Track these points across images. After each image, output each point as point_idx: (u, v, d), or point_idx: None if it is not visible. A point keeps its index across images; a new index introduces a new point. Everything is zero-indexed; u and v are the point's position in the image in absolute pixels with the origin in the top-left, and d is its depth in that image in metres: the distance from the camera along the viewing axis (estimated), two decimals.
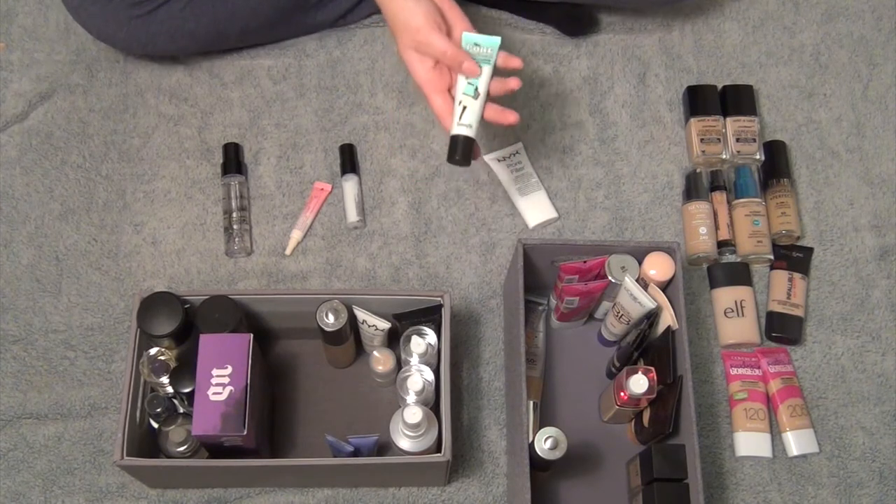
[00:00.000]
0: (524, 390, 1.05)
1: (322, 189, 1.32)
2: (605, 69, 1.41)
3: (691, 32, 1.44)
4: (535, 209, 1.30)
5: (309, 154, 1.34)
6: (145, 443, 1.08)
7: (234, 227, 1.27)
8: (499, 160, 1.34)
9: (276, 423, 1.16)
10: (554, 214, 1.31)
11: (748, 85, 1.38)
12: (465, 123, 1.06)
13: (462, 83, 1.06)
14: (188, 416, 1.07)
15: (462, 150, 1.06)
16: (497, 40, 1.06)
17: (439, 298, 1.09)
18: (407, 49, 1.07)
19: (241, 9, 1.29)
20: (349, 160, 1.32)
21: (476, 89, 1.06)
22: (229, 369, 1.01)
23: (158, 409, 1.07)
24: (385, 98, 1.38)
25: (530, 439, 1.05)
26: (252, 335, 1.04)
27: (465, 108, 1.06)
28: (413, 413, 1.01)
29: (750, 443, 1.18)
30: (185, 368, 1.05)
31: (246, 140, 1.35)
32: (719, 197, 1.30)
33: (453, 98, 1.07)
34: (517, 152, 1.34)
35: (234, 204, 1.28)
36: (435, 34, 1.04)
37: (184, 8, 1.26)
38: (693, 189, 1.30)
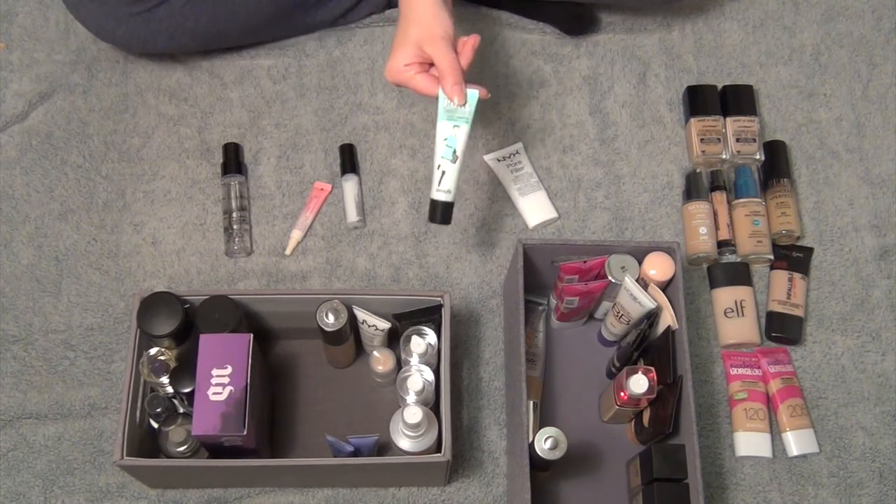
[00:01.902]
0: (524, 390, 1.05)
1: (322, 189, 1.32)
2: (605, 69, 1.41)
3: (691, 32, 1.44)
4: (535, 209, 1.30)
5: (309, 154, 1.34)
6: (145, 443, 1.08)
7: (234, 227, 1.27)
8: (499, 160, 1.34)
9: (276, 423, 1.16)
10: (554, 214, 1.31)
11: (748, 85, 1.38)
12: (444, 189, 1.08)
13: (441, 147, 1.07)
14: (188, 416, 1.07)
15: (442, 214, 1.09)
16: (476, 93, 1.06)
17: (439, 298, 1.09)
18: (409, 42, 1.05)
19: (240, 7, 1.29)
20: (349, 160, 1.32)
21: (454, 152, 1.07)
22: (229, 369, 1.01)
23: (158, 409, 1.07)
24: (385, 98, 1.38)
25: (530, 439, 1.05)
26: (252, 335, 1.04)
27: (444, 173, 1.08)
28: (413, 413, 1.01)
29: (750, 443, 1.18)
30: (185, 368, 1.05)
31: (246, 140, 1.35)
32: (719, 197, 1.30)
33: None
34: (517, 152, 1.34)
35: (234, 204, 1.28)
36: (450, 46, 1.05)
37: (184, 6, 1.26)
38: (693, 189, 1.30)
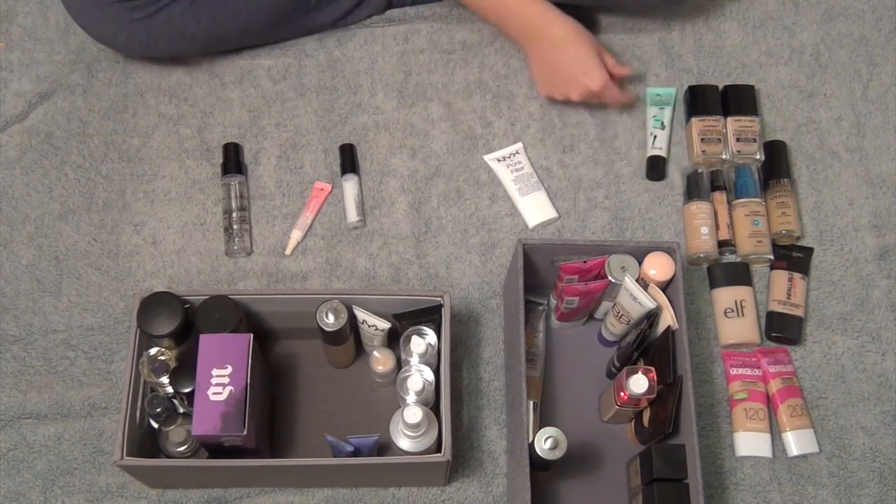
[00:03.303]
0: (524, 390, 1.05)
1: (322, 189, 1.32)
2: None
3: (691, 32, 1.44)
4: (535, 209, 1.30)
5: (309, 154, 1.34)
6: (145, 443, 1.08)
7: (234, 227, 1.27)
8: (499, 160, 1.33)
9: (276, 423, 1.16)
10: (554, 214, 1.31)
11: (749, 85, 1.38)
12: (658, 147, 1.34)
13: (650, 121, 1.35)
14: (188, 416, 1.07)
15: (659, 168, 1.33)
16: (673, 90, 1.37)
17: (439, 298, 1.09)
18: (596, 56, 1.27)
19: (241, 11, 1.29)
20: (349, 160, 1.32)
21: (662, 123, 1.35)
22: (229, 369, 1.01)
23: (158, 409, 1.07)
24: (385, 98, 1.38)
25: (530, 439, 1.05)
26: (252, 335, 1.04)
27: (655, 136, 1.34)
28: (413, 413, 1.01)
29: (750, 443, 1.18)
30: (185, 368, 1.05)
31: (246, 140, 1.35)
32: (719, 197, 1.30)
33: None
34: (517, 152, 1.34)
35: (234, 204, 1.28)
36: (604, 69, 1.28)
37: (184, 11, 1.26)
38: (694, 189, 1.30)
